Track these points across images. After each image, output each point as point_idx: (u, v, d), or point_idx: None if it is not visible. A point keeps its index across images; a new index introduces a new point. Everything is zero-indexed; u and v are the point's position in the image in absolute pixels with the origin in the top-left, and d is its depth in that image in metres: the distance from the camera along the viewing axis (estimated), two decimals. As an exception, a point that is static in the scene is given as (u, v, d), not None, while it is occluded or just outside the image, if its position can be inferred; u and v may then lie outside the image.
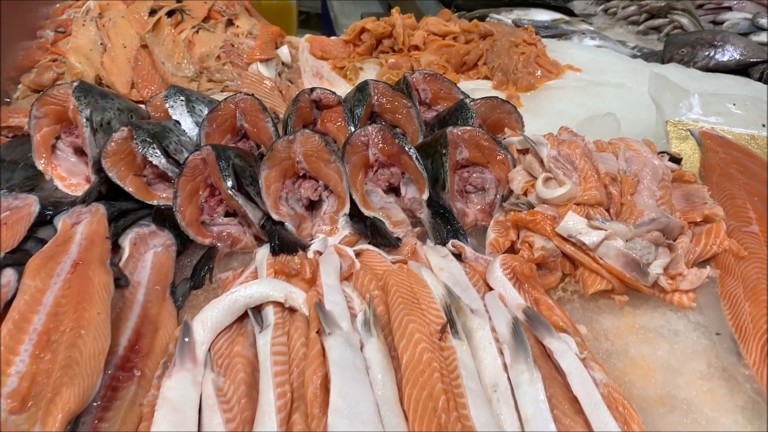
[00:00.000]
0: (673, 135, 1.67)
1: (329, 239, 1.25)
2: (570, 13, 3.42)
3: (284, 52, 2.03)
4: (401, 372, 0.92)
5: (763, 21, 3.20)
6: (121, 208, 1.26)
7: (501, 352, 0.95)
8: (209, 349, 0.98)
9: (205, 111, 1.50)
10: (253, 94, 1.47)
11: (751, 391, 0.97)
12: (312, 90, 1.54)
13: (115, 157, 1.31)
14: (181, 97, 1.51)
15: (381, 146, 1.34)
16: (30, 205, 1.22)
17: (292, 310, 1.04)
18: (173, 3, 1.93)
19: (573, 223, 1.17)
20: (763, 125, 1.73)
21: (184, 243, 1.25)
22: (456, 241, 1.26)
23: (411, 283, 1.08)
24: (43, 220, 1.22)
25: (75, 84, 1.35)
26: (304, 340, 0.96)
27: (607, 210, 1.24)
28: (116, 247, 1.21)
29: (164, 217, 1.25)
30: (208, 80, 1.78)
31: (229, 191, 1.21)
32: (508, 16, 3.25)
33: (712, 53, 2.44)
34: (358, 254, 1.20)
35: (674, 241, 1.22)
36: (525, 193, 1.30)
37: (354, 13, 4.94)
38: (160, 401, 0.88)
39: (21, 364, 0.87)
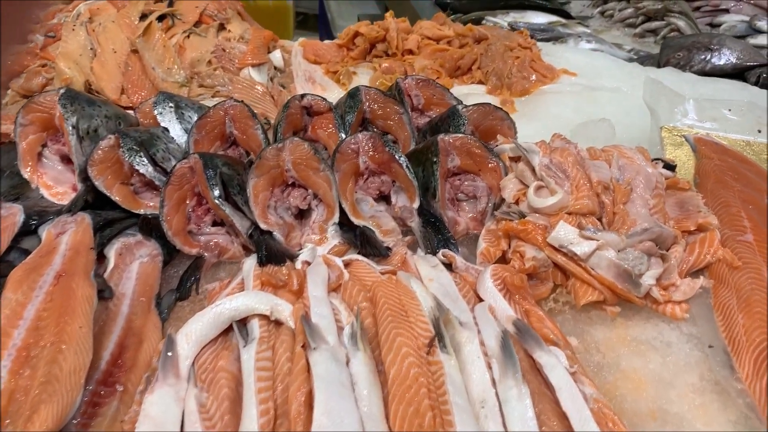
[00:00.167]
0: (667, 141, 1.65)
1: (318, 249, 1.24)
2: (567, 15, 3.41)
3: (277, 56, 2.02)
4: (388, 387, 0.91)
5: (760, 24, 3.19)
6: (107, 217, 1.24)
7: (490, 367, 0.94)
8: (193, 364, 0.97)
9: (195, 117, 1.49)
10: (242, 101, 1.46)
11: (744, 405, 0.96)
12: (303, 96, 1.52)
13: (102, 165, 1.29)
14: (170, 104, 1.49)
15: (371, 154, 1.33)
16: (14, 214, 1.21)
17: (278, 323, 1.02)
18: (164, 7, 1.92)
19: (564, 233, 1.15)
20: (759, 131, 1.71)
21: (170, 253, 1.23)
22: (447, 251, 1.24)
23: (400, 294, 1.07)
24: (28, 230, 1.21)
25: (61, 91, 1.34)
26: (289, 355, 0.94)
27: (600, 219, 1.22)
28: (102, 257, 1.19)
29: (151, 227, 1.24)
30: (199, 85, 1.76)
31: (216, 201, 1.19)
32: (504, 19, 3.24)
33: (709, 57, 2.43)
34: (347, 264, 1.18)
35: (667, 250, 1.20)
36: (517, 202, 1.29)
37: (351, 15, 4.93)
38: (141, 418, 0.86)
39: (-1, 381, 0.86)
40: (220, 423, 0.86)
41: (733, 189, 1.42)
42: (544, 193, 1.26)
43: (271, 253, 1.17)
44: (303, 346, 0.94)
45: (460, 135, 1.36)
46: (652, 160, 1.46)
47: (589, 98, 2.01)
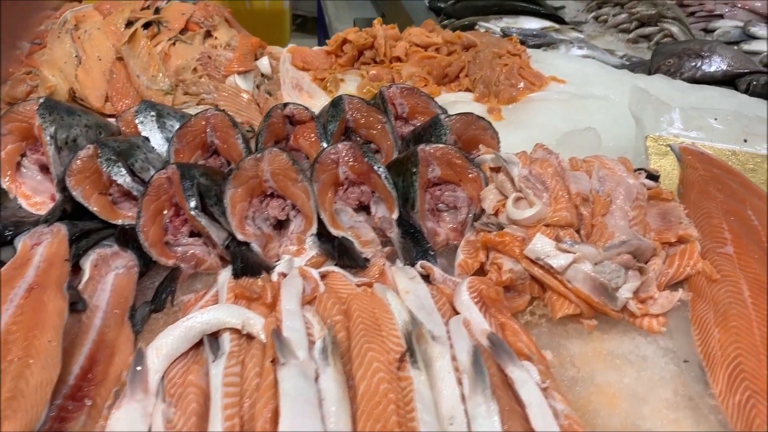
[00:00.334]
0: (652, 150, 1.65)
1: (296, 260, 1.23)
2: (560, 21, 3.40)
3: (264, 63, 2.01)
4: (357, 403, 0.90)
5: (754, 29, 3.19)
6: (83, 228, 1.23)
7: (460, 382, 0.93)
8: (163, 378, 0.96)
9: (177, 126, 1.48)
10: (224, 110, 1.45)
11: (716, 422, 0.95)
12: (285, 105, 1.52)
13: (80, 175, 1.29)
14: (152, 113, 1.49)
15: (351, 164, 1.32)
16: (-10, 225, 1.20)
17: (250, 337, 1.02)
18: (150, 14, 1.91)
19: (541, 245, 1.15)
20: (745, 140, 1.71)
21: (147, 264, 1.23)
22: (425, 263, 1.23)
23: (374, 307, 1.06)
24: (4, 241, 1.21)
25: (40, 101, 1.33)
26: (258, 370, 0.94)
27: (578, 231, 1.22)
28: (78, 269, 1.19)
29: (128, 238, 1.23)
30: (184, 93, 1.76)
31: (192, 212, 1.19)
32: (497, 24, 3.23)
33: (699, 64, 2.42)
34: (323, 276, 1.18)
35: (646, 263, 1.20)
36: (496, 213, 1.28)
37: (348, 19, 4.92)
38: (106, 434, 0.86)
39: (-37, 397, 0.85)
40: (187, 439, 0.86)
41: (716, 200, 1.41)
42: (522, 204, 1.25)
43: (247, 264, 1.17)
44: (273, 361, 0.94)
45: (441, 145, 1.35)
46: (636, 170, 1.45)
47: (577, 106, 2.00)
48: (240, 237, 1.22)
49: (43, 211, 1.31)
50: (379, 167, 1.28)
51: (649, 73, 2.48)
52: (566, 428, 0.88)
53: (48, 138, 1.30)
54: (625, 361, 1.08)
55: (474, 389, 0.91)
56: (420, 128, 1.54)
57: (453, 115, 1.50)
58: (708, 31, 3.38)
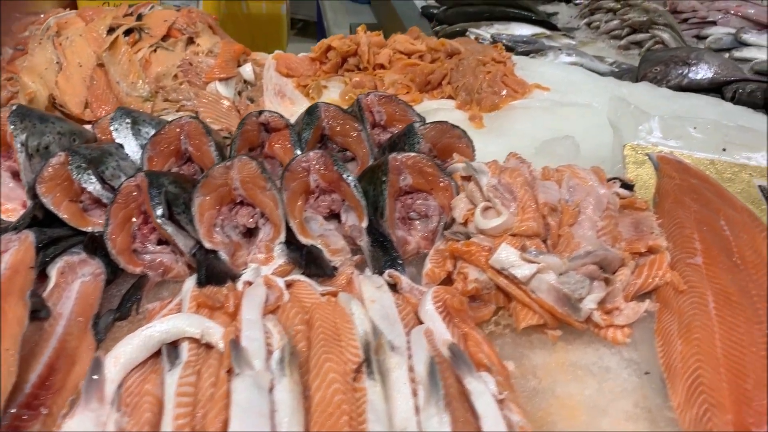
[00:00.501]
0: (630, 159, 1.64)
1: (263, 269, 1.23)
2: (552, 27, 3.40)
3: (247, 70, 2.02)
4: (311, 413, 0.90)
5: (746, 36, 3.18)
6: (52, 235, 1.24)
7: (416, 393, 0.93)
8: (120, 387, 0.96)
9: (152, 133, 1.49)
10: (198, 117, 1.46)
11: (673, 436, 0.95)
12: (260, 113, 1.52)
13: (51, 182, 1.29)
14: (128, 120, 1.49)
15: (322, 172, 1.32)
16: (-42, 232, 1.21)
17: (209, 347, 1.02)
18: (132, 21, 1.92)
19: (506, 255, 1.14)
20: (724, 149, 1.70)
21: (115, 272, 1.23)
22: (393, 271, 1.23)
23: (335, 317, 1.06)
24: (-28, 248, 1.21)
25: (12, 108, 1.34)
26: (213, 380, 0.94)
27: (545, 241, 1.21)
28: (46, 276, 1.19)
29: (96, 245, 1.23)
30: (164, 100, 1.77)
31: (159, 220, 1.19)
32: (488, 31, 3.23)
33: (686, 71, 2.42)
34: (289, 285, 1.18)
35: (614, 273, 1.20)
36: (466, 222, 1.28)
37: (346, 23, 4.94)
38: (58, 444, 0.86)
39: None
40: (137, 449, 0.86)
41: (689, 209, 1.40)
42: (491, 214, 1.25)
43: (212, 273, 1.17)
44: (228, 371, 0.94)
45: (413, 154, 1.36)
46: (610, 180, 1.45)
47: (560, 114, 2.00)
48: (207, 245, 1.22)
49: (14, 218, 1.32)
50: (348, 176, 1.29)
51: (637, 81, 2.48)
52: (520, 440, 0.88)
53: (19, 145, 1.30)
54: (588, 372, 1.07)
55: (428, 400, 0.90)
56: (395, 136, 1.54)
57: (428, 123, 1.50)
58: (701, 37, 3.38)
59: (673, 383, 1.00)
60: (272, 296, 1.13)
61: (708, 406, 0.93)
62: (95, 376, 0.94)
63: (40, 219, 1.30)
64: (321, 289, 1.18)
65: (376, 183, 1.32)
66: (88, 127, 1.56)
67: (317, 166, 1.32)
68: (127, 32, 1.89)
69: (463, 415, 0.92)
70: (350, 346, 0.99)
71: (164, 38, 1.92)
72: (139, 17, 1.96)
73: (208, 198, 1.26)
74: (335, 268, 1.25)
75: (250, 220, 1.29)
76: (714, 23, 3.46)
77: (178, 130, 1.45)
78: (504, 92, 2.03)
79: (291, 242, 1.29)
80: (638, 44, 3.30)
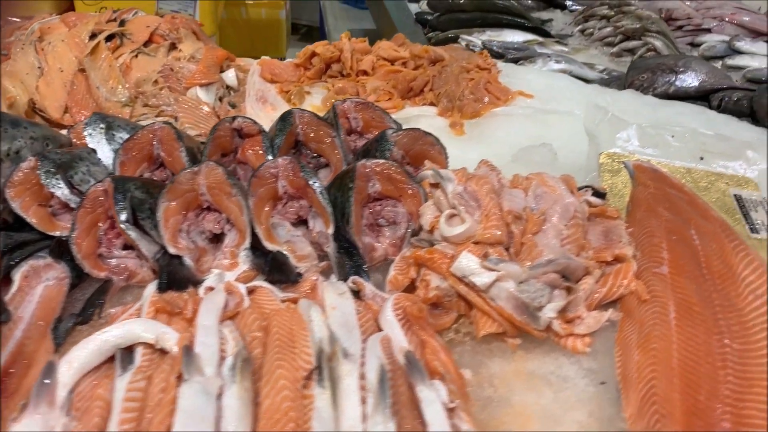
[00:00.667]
0: (605, 168, 1.64)
1: (227, 274, 1.23)
2: (545, 34, 3.40)
3: (230, 75, 2.02)
4: (258, 420, 0.90)
5: (739, 44, 3.17)
6: (18, 239, 1.24)
7: (365, 401, 0.93)
8: (72, 391, 0.96)
9: (126, 139, 1.49)
10: (170, 123, 1.46)
11: (623, 446, 0.94)
12: (233, 118, 1.53)
13: (21, 187, 1.30)
14: (102, 125, 1.50)
15: (290, 179, 1.33)
16: (-75, 236, 1.22)
17: (163, 353, 1.02)
18: (115, 26, 1.94)
19: (466, 262, 1.14)
20: (702, 158, 1.70)
21: (80, 276, 1.23)
22: (356, 278, 1.23)
23: (292, 324, 1.06)
24: (-61, 252, 1.22)
25: (-17, 113, 1.35)
26: (164, 386, 0.94)
27: (508, 249, 1.21)
28: (9, 280, 1.19)
29: (63, 249, 1.24)
30: (144, 105, 1.78)
31: (122, 225, 1.20)
32: (479, 37, 3.23)
33: (672, 79, 2.41)
34: (251, 291, 1.18)
35: (577, 282, 1.19)
36: (432, 230, 1.28)
37: (347, 29, 4.95)
38: (3, 448, 0.86)
39: None
40: (82, 454, 0.86)
41: (661, 218, 1.39)
42: (456, 221, 1.25)
43: (174, 278, 1.17)
44: (178, 377, 0.94)
45: (382, 161, 1.36)
46: (582, 188, 1.45)
47: (541, 121, 1.99)
48: (172, 250, 1.23)
49: (-17, 223, 1.32)
50: (315, 182, 1.29)
51: (624, 88, 2.47)
52: (467, 450, 0.87)
53: (-11, 150, 1.31)
54: (545, 381, 1.07)
55: (375, 408, 0.90)
56: (369, 143, 1.55)
57: (400, 130, 1.50)
58: (695, 45, 3.37)
59: (627, 393, 0.99)
60: (232, 302, 1.13)
61: (659, 417, 0.93)
62: (47, 380, 0.95)
63: (9, 223, 1.31)
64: (282, 295, 1.18)
65: (343, 189, 1.32)
66: (64, 131, 1.57)
67: (285, 173, 1.32)
68: (110, 38, 1.90)
69: (411, 423, 0.91)
70: (303, 353, 0.99)
71: (146, 44, 1.94)
72: (122, 23, 1.98)
73: (174, 203, 1.26)
74: (300, 275, 1.25)
75: (216, 226, 1.29)
76: (709, 30, 3.45)
77: (150, 135, 1.45)
78: (486, 99, 2.03)
79: (258, 248, 1.30)
80: (631, 51, 3.29)
